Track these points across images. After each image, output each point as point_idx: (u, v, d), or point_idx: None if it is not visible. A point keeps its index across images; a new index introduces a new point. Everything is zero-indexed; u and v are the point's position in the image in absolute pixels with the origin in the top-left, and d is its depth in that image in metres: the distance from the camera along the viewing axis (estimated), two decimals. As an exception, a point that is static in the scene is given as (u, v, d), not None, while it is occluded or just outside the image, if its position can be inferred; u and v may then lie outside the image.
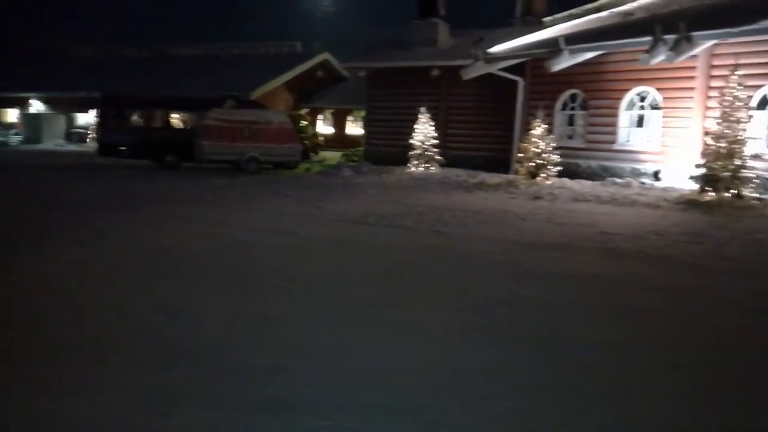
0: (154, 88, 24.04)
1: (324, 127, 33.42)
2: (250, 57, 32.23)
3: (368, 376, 3.47)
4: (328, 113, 33.56)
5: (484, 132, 19.58)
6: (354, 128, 32.63)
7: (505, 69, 17.56)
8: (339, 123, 33.25)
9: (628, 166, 15.23)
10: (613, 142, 15.70)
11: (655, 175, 14.39)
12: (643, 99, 15.21)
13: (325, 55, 32.11)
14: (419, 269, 6.27)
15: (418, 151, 18.15)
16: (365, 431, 2.87)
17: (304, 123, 26.97)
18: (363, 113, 24.38)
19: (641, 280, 5.93)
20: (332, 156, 25.25)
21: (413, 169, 18.05)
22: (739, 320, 4.75)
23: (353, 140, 29.93)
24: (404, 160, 18.46)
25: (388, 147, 21.16)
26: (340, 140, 31.61)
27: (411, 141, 18.28)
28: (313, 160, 23.96)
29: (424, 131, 18.16)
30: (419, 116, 18.27)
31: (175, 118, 21.70)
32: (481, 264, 6.52)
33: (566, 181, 14.74)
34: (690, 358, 3.92)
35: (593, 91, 16.12)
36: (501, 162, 18.04)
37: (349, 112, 32.68)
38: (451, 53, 19.86)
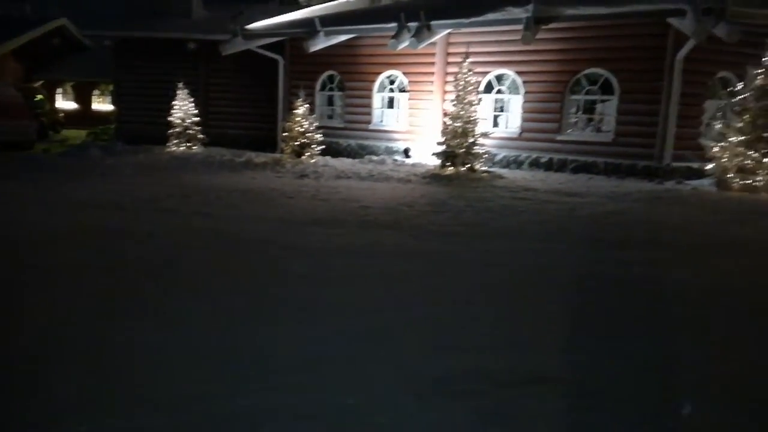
0: None
1: (65, 103, 29.75)
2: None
3: (134, 369, 3.37)
4: (69, 87, 29.94)
5: (249, 110, 19.40)
6: (102, 104, 29.66)
7: (266, 47, 17.57)
8: (83, 98, 29.90)
9: (382, 144, 16.48)
10: (368, 122, 16.82)
11: (406, 153, 15.84)
12: (392, 82, 16.52)
13: (61, 21, 28.41)
14: (185, 255, 6.12)
15: (179, 130, 17.30)
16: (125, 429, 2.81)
17: (39, 97, 23.76)
18: (112, 87, 22.32)
19: (396, 248, 6.58)
20: (76, 134, 22.73)
21: (174, 148, 17.18)
22: (475, 278, 5.60)
23: (102, 117, 27.26)
24: (164, 139, 17.44)
25: (144, 125, 19.76)
26: (85, 117, 28.48)
27: (170, 119, 17.32)
28: (53, 139, 21.33)
29: (184, 108, 17.33)
30: (177, 92, 17.37)
31: None
32: (250, 244, 6.60)
33: (329, 159, 15.43)
34: (440, 313, 4.54)
35: (349, 73, 17.01)
36: (267, 141, 18.12)
37: (95, 85, 29.55)
38: (208, 27, 19.17)
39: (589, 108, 13.83)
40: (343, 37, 16.25)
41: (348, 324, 4.17)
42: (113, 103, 22.30)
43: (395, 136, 16.38)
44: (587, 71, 13.46)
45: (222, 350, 3.65)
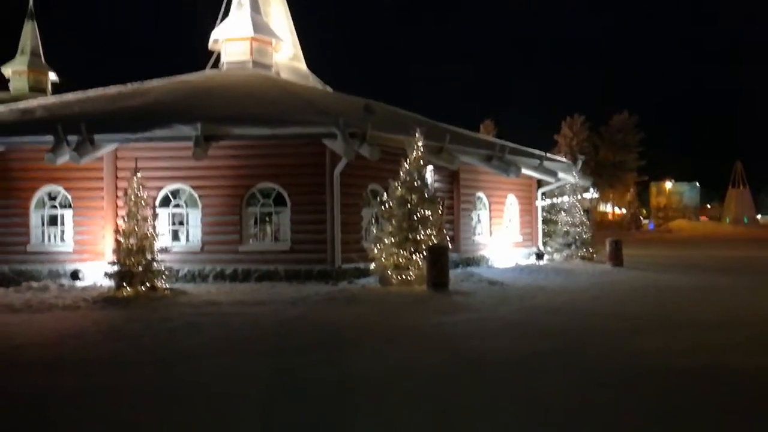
0: None
1: None
2: None
3: None
4: None
5: None
6: None
7: None
8: None
9: (45, 268, 14.52)
10: (25, 243, 14.77)
11: (75, 276, 14.21)
12: (54, 198, 14.94)
13: None
14: None
15: None
16: None
17: None
18: None
19: (56, 389, 5.70)
20: None
21: None
22: (159, 412, 5.17)
23: None
24: None
25: None
26: None
27: None
28: None
29: None
30: None
31: None
32: None
33: (-29, 290, 12.87)
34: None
35: (-3, 190, 14.87)
36: None
37: None
38: None
39: (266, 219, 14.57)
40: (-15, 150, 14.26)
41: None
42: None
43: (60, 257, 14.63)
44: (260, 186, 14.26)
45: None
